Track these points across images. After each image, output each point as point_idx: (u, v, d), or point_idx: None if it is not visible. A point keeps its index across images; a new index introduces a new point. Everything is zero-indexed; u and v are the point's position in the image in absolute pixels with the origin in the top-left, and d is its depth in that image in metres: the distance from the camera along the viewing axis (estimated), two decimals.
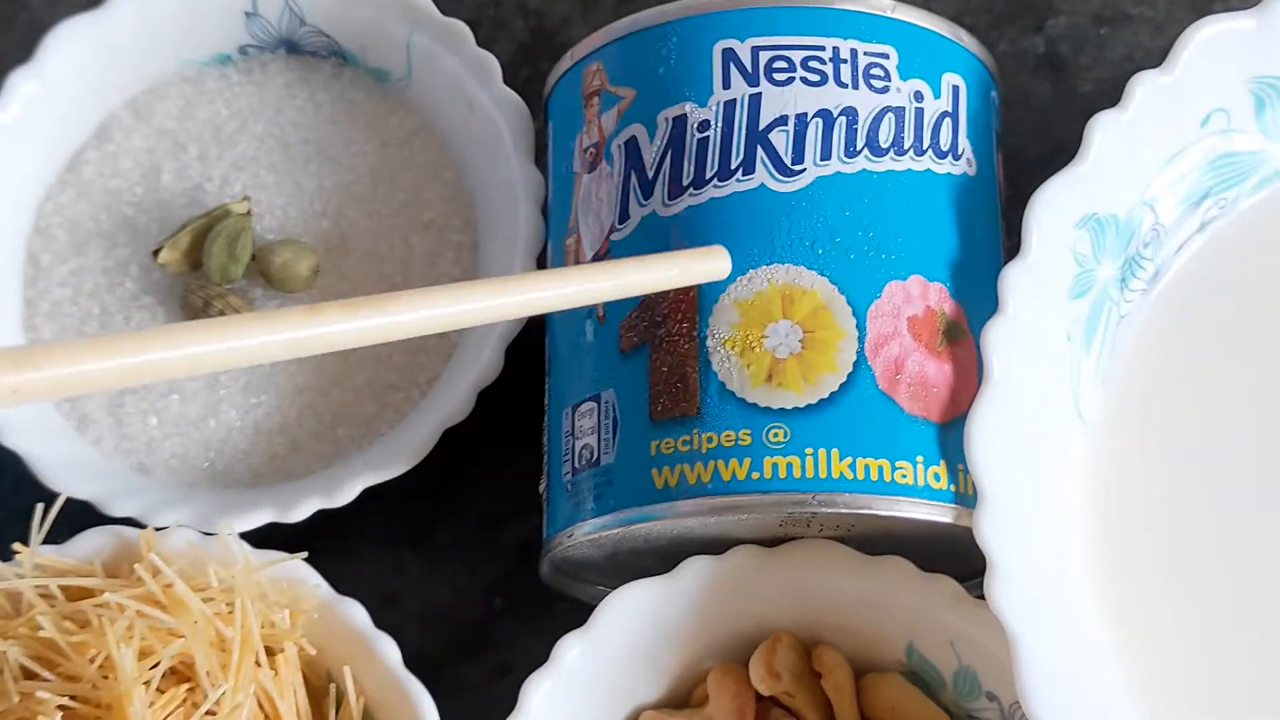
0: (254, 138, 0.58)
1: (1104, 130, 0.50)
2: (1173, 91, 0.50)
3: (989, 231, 0.51)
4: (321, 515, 0.53)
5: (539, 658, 0.50)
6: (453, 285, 0.44)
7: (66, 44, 0.57)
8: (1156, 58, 0.51)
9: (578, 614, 0.51)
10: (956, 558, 0.48)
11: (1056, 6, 0.62)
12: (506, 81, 0.58)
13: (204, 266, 0.55)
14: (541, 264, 0.54)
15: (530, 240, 0.55)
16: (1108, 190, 0.50)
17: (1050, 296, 0.49)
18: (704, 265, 0.48)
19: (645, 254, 0.49)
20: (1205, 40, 0.50)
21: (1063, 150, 0.51)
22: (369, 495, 0.54)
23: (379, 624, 0.51)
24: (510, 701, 0.49)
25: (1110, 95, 0.51)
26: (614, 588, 0.50)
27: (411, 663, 0.51)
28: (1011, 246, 0.50)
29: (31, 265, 0.57)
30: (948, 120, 0.50)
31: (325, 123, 0.58)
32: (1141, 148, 0.50)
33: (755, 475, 0.46)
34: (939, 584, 0.49)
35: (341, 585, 0.52)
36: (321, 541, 0.54)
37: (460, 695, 0.56)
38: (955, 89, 0.51)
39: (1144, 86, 0.50)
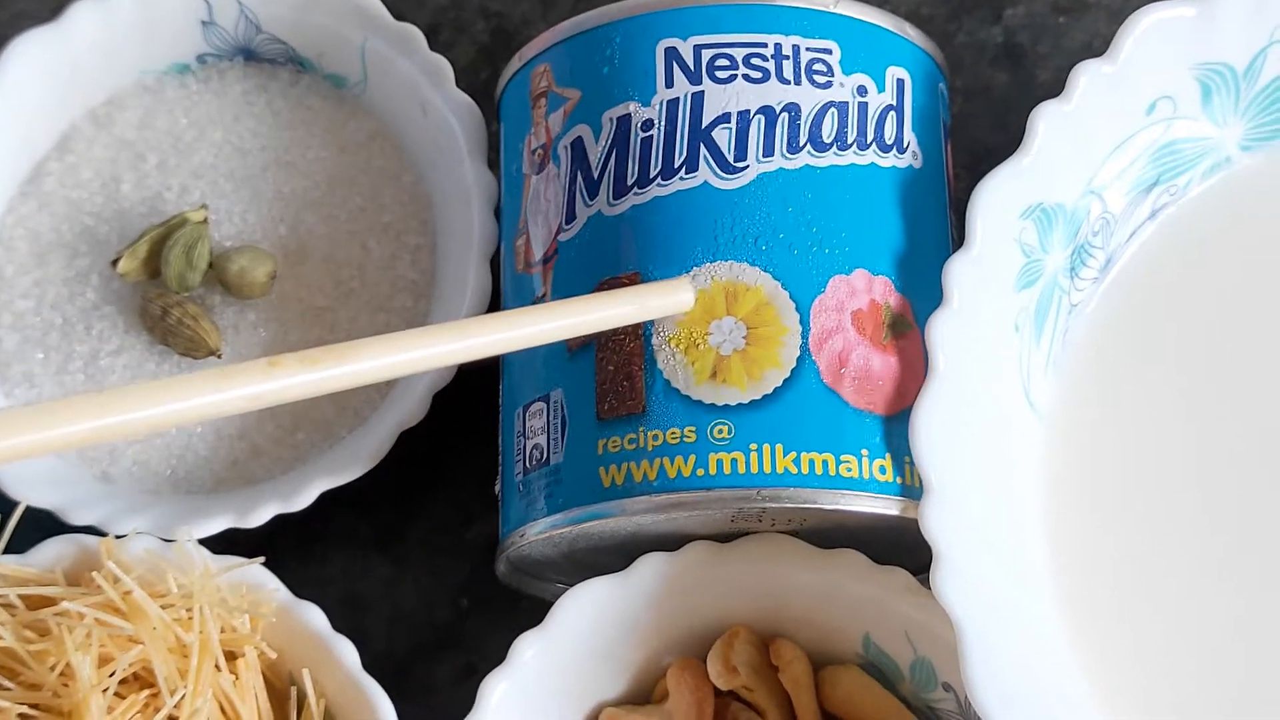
0: (212, 145, 0.58)
1: (1048, 120, 0.50)
2: (1116, 80, 0.50)
3: (936, 224, 0.51)
4: (287, 519, 0.54)
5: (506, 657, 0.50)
6: (410, 332, 0.45)
7: (26, 56, 0.58)
8: None
9: (544, 613, 0.51)
10: (910, 550, 0.48)
11: None
12: (467, 83, 0.58)
13: (162, 275, 0.55)
14: (495, 265, 0.55)
15: (484, 243, 0.55)
16: (1053, 180, 0.50)
17: (997, 288, 0.49)
18: (666, 299, 0.48)
19: (592, 254, 0.49)
20: (1147, 28, 0.50)
21: (1022, 140, 0.51)
22: (334, 498, 0.54)
23: (346, 626, 0.52)
24: None
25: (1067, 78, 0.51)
26: (573, 585, 0.50)
27: (379, 664, 0.51)
28: (962, 236, 0.50)
29: None
30: (892, 114, 0.51)
31: (283, 129, 0.59)
32: (1087, 137, 0.50)
33: (701, 472, 0.47)
34: (893, 575, 0.50)
35: (308, 588, 0.52)
36: (288, 545, 0.55)
37: (428, 695, 0.57)
38: (900, 82, 0.51)
39: (1087, 76, 0.50)
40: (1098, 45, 0.60)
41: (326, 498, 0.54)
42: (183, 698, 0.48)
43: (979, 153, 0.58)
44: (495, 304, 0.54)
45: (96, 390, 0.40)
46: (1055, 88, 0.51)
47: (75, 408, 0.38)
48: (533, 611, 0.53)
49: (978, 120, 0.60)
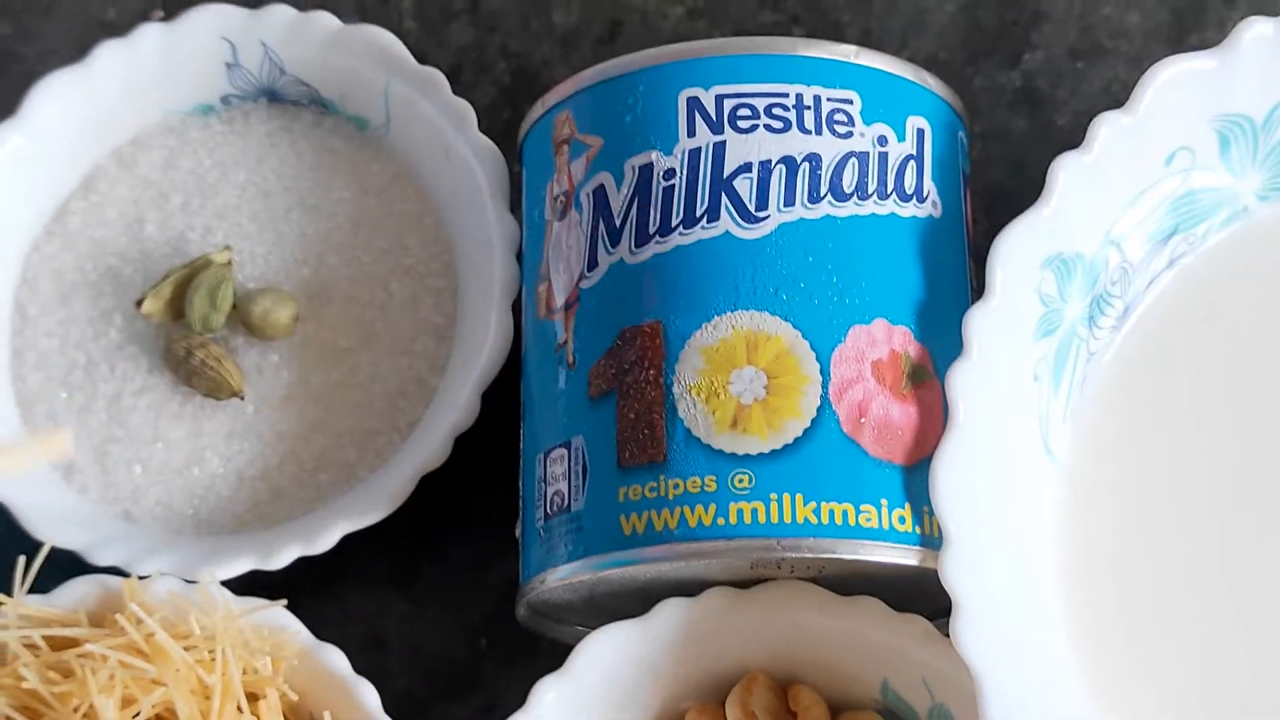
0: (236, 186, 0.59)
1: (1067, 171, 0.50)
2: (1136, 131, 0.50)
3: (955, 273, 0.52)
4: (307, 559, 0.54)
5: (525, 697, 0.50)
6: None
7: (52, 97, 0.58)
8: (1132, 91, 0.51)
9: (563, 653, 0.51)
10: (929, 596, 0.48)
11: (1033, 41, 0.62)
12: (489, 123, 0.58)
13: (186, 316, 0.56)
14: (517, 310, 0.55)
15: (506, 286, 0.55)
16: (1073, 230, 0.50)
17: (1016, 337, 0.50)
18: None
19: (614, 302, 0.49)
20: (1167, 80, 0.50)
21: (1040, 185, 0.51)
22: (354, 539, 0.54)
23: (365, 665, 0.52)
24: None
25: (1087, 129, 0.51)
26: (594, 628, 0.51)
27: (398, 703, 0.52)
28: (982, 285, 0.51)
29: (19, 315, 0.58)
30: (912, 163, 0.51)
31: (306, 171, 0.59)
32: (1106, 187, 0.51)
33: (721, 521, 0.47)
34: (911, 623, 0.50)
35: (328, 627, 0.53)
36: (308, 585, 0.55)
37: None
38: (920, 132, 0.51)
39: (1107, 127, 0.50)
40: (1116, 90, 0.61)
41: (346, 538, 0.54)
42: None
43: (997, 196, 0.59)
44: (517, 348, 0.55)
45: None
46: (1073, 133, 0.51)
47: None
48: (552, 652, 0.53)
49: (995, 165, 0.61)
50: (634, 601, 0.51)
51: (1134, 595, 0.50)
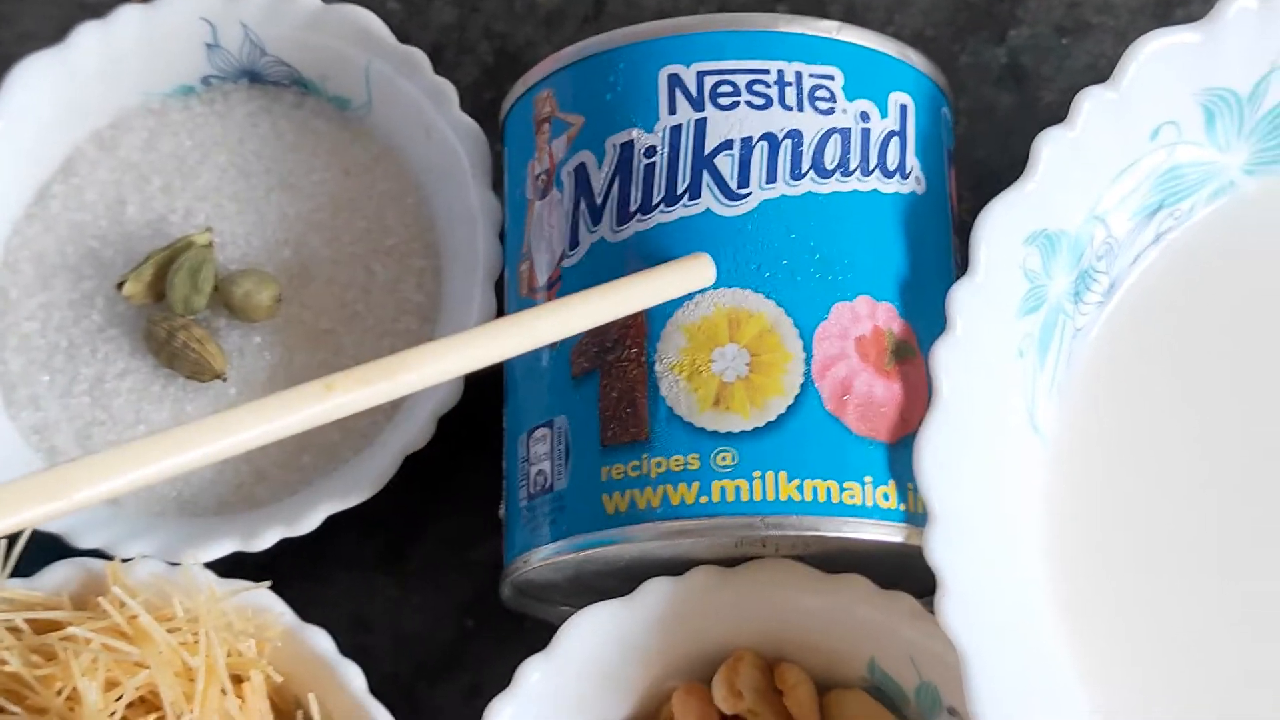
0: (217, 168, 0.59)
1: (1051, 147, 0.50)
2: (1120, 106, 0.50)
3: (939, 249, 0.51)
4: (292, 541, 0.54)
5: (510, 678, 0.50)
6: (447, 340, 0.46)
7: (30, 80, 0.58)
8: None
9: (549, 634, 0.51)
10: (915, 574, 0.48)
11: (1018, 17, 0.62)
12: (471, 104, 0.58)
13: (167, 298, 0.56)
14: (499, 289, 0.55)
15: (488, 266, 0.55)
16: (1057, 206, 0.50)
17: (1000, 314, 0.50)
18: (691, 276, 0.48)
19: (596, 280, 0.49)
20: (1151, 54, 0.50)
21: (1025, 162, 0.50)
22: (338, 521, 0.54)
23: (350, 647, 0.52)
24: None
25: (1071, 104, 0.51)
26: (579, 608, 0.51)
27: (384, 685, 0.52)
28: (966, 262, 0.50)
29: (0, 299, 0.58)
30: (895, 139, 0.51)
31: (287, 151, 0.59)
32: (1090, 163, 0.50)
33: (704, 499, 0.47)
34: (897, 601, 0.50)
35: (313, 609, 0.53)
36: (293, 567, 0.55)
37: (434, 716, 0.57)
38: (903, 108, 0.51)
39: (1091, 102, 0.50)
40: (1102, 66, 0.61)
41: (331, 520, 0.54)
42: None
43: (982, 174, 0.58)
44: None
45: (164, 430, 0.41)
46: (1059, 109, 0.51)
47: (149, 448, 0.41)
48: (538, 632, 0.53)
49: (981, 142, 0.60)
50: (619, 581, 0.51)
51: (1120, 571, 0.50)
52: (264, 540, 0.53)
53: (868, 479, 0.47)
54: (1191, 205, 0.52)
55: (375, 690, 0.51)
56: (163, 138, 0.59)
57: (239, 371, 0.56)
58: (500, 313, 0.55)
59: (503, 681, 0.50)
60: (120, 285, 0.56)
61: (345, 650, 0.52)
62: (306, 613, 0.52)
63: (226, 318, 0.57)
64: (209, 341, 0.55)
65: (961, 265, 0.51)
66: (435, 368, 0.45)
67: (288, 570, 0.54)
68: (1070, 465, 0.51)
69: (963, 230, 0.52)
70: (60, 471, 0.40)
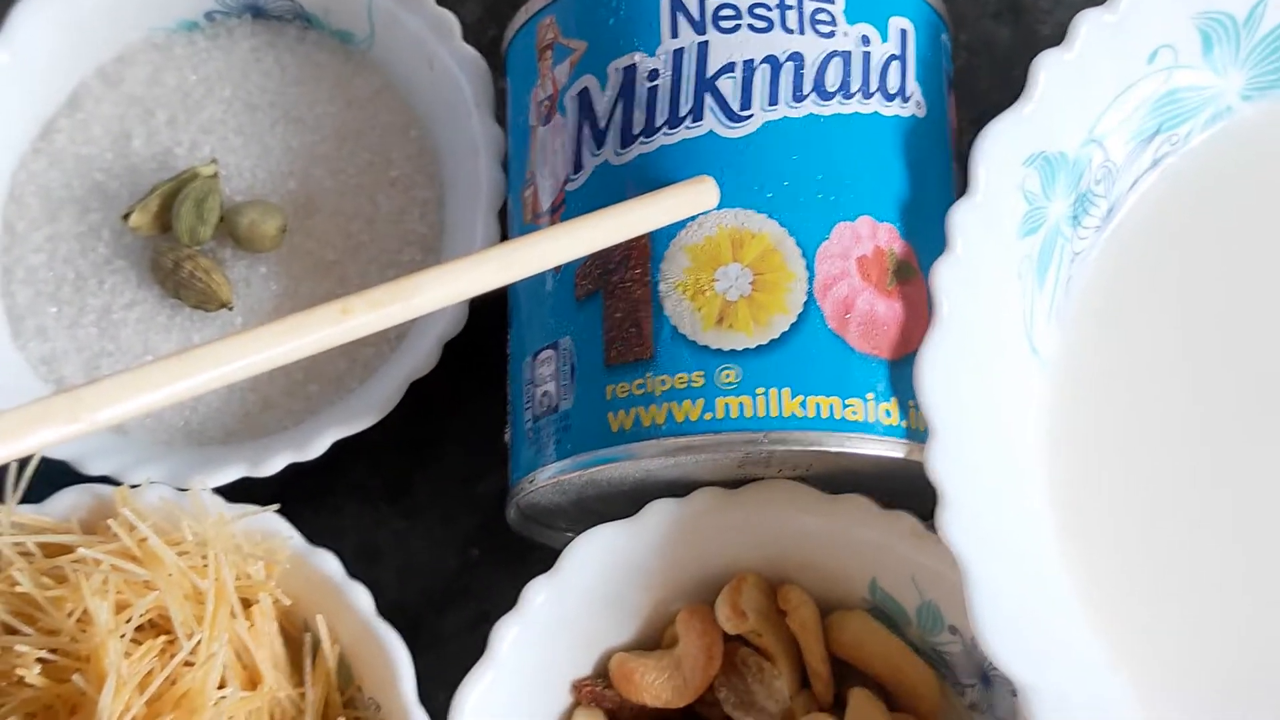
0: (221, 102, 0.59)
1: (1049, 69, 0.50)
2: (1118, 29, 0.50)
3: (940, 172, 0.52)
4: (299, 473, 0.54)
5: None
6: (460, 261, 0.46)
7: (35, 15, 0.58)
8: None
9: (553, 562, 0.51)
10: (916, 495, 0.49)
11: None
12: (474, 39, 0.58)
13: (173, 229, 0.56)
14: (503, 218, 0.55)
15: (491, 195, 0.55)
16: (1055, 128, 0.50)
17: (1000, 234, 0.50)
18: (694, 198, 0.48)
19: (599, 203, 0.49)
20: None
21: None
22: (346, 451, 0.54)
23: (358, 578, 0.52)
24: None
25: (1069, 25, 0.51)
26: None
27: (391, 614, 0.52)
28: (966, 186, 0.51)
29: (7, 233, 0.58)
30: (896, 63, 0.51)
31: (291, 85, 0.59)
32: (1088, 85, 0.51)
33: (708, 416, 0.47)
34: (899, 520, 0.50)
35: (320, 541, 0.53)
36: (300, 498, 0.55)
37: (440, 644, 0.57)
38: (903, 32, 0.51)
39: (1089, 24, 0.50)
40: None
41: (338, 451, 0.54)
42: (198, 643, 0.49)
43: (983, 107, 0.58)
44: None
45: (178, 352, 0.42)
46: (1057, 42, 0.51)
47: (164, 370, 0.41)
48: (544, 562, 0.53)
49: (980, 75, 0.61)
50: (624, 505, 0.51)
51: (1119, 489, 0.50)
52: (272, 465, 0.53)
53: (870, 395, 0.48)
54: (1189, 130, 0.53)
55: (382, 618, 0.51)
56: (167, 72, 0.59)
57: (245, 301, 0.57)
58: (504, 241, 0.55)
59: (509, 610, 0.51)
60: (126, 217, 0.56)
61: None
62: (314, 544, 0.53)
63: (232, 248, 0.57)
64: (215, 271, 0.56)
65: (962, 191, 0.52)
66: (447, 289, 0.45)
67: (295, 503, 0.54)
68: (1068, 387, 0.51)
69: (963, 159, 0.53)
70: (75, 394, 0.40)
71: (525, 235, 0.49)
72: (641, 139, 0.50)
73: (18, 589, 0.49)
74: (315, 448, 0.53)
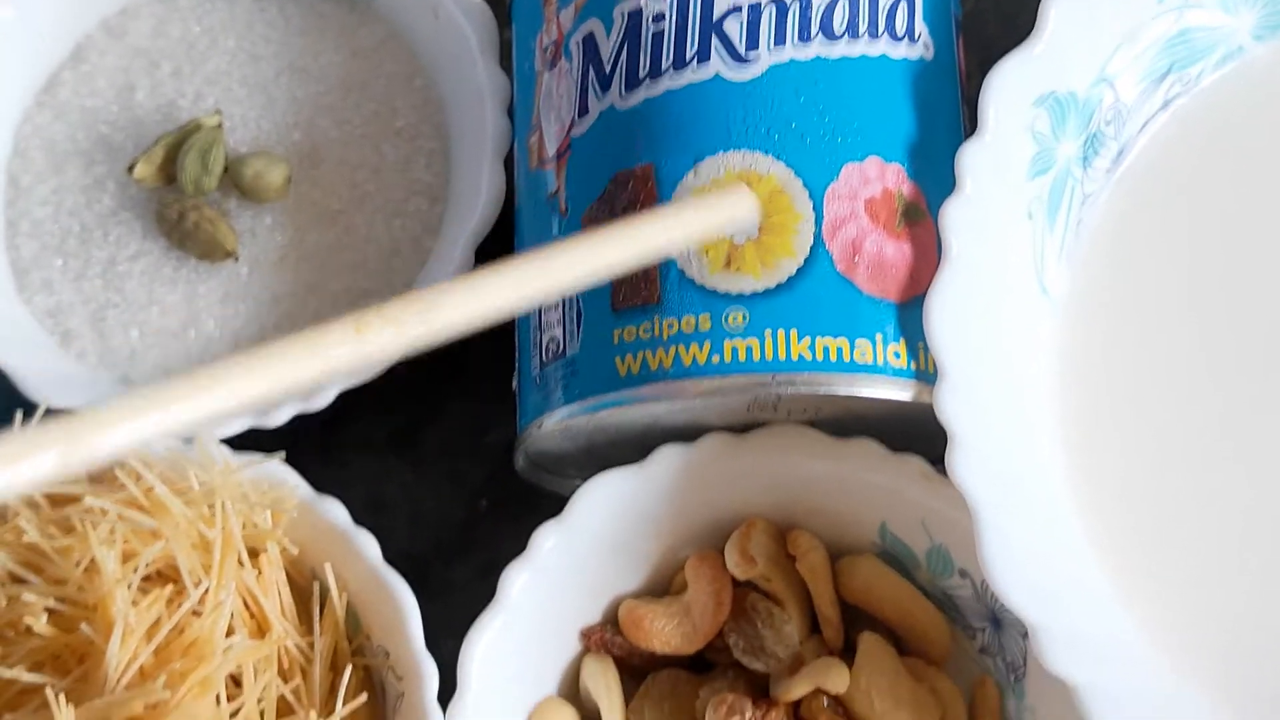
0: (225, 53, 0.59)
1: (1059, 8, 0.50)
2: None
3: (949, 113, 0.51)
4: (307, 424, 0.54)
5: None
6: (486, 274, 0.43)
7: None
8: None
9: (561, 513, 0.51)
10: (926, 439, 0.48)
11: None
12: None
13: (178, 180, 0.56)
14: (509, 165, 0.55)
15: (497, 143, 0.55)
16: (1065, 68, 0.50)
17: (1009, 175, 0.50)
18: (730, 210, 0.47)
19: (605, 148, 0.49)
20: None
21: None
22: (353, 404, 0.54)
23: (366, 528, 0.52)
24: None
25: None
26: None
27: (399, 564, 0.52)
28: (975, 127, 0.50)
29: (12, 186, 0.58)
30: (903, 4, 0.51)
31: (295, 35, 0.59)
32: (1098, 25, 0.50)
33: (715, 359, 0.47)
34: (908, 463, 0.50)
35: (329, 491, 0.53)
36: (307, 451, 0.55)
37: (449, 593, 0.57)
38: None
39: None
40: None
41: (346, 401, 0.54)
42: (206, 592, 0.49)
43: (992, 53, 0.58)
44: (510, 203, 0.55)
45: (182, 376, 0.39)
46: None
47: (160, 400, 0.39)
48: (551, 512, 0.53)
49: (988, 20, 0.60)
50: (632, 451, 0.51)
51: (1129, 430, 0.50)
52: (279, 415, 0.53)
53: (878, 337, 0.48)
54: (1200, 71, 0.52)
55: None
56: (171, 24, 0.59)
57: (250, 251, 0.56)
58: (510, 190, 0.55)
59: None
60: (131, 168, 0.56)
61: None
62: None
63: (237, 199, 0.57)
64: (220, 222, 0.55)
65: (970, 133, 0.51)
66: (469, 310, 0.42)
67: (302, 454, 0.54)
68: (1078, 328, 0.51)
69: (971, 103, 0.52)
70: (74, 420, 0.38)
71: (551, 247, 0.45)
72: (647, 82, 0.49)
73: (25, 539, 0.49)
74: (322, 398, 0.53)
